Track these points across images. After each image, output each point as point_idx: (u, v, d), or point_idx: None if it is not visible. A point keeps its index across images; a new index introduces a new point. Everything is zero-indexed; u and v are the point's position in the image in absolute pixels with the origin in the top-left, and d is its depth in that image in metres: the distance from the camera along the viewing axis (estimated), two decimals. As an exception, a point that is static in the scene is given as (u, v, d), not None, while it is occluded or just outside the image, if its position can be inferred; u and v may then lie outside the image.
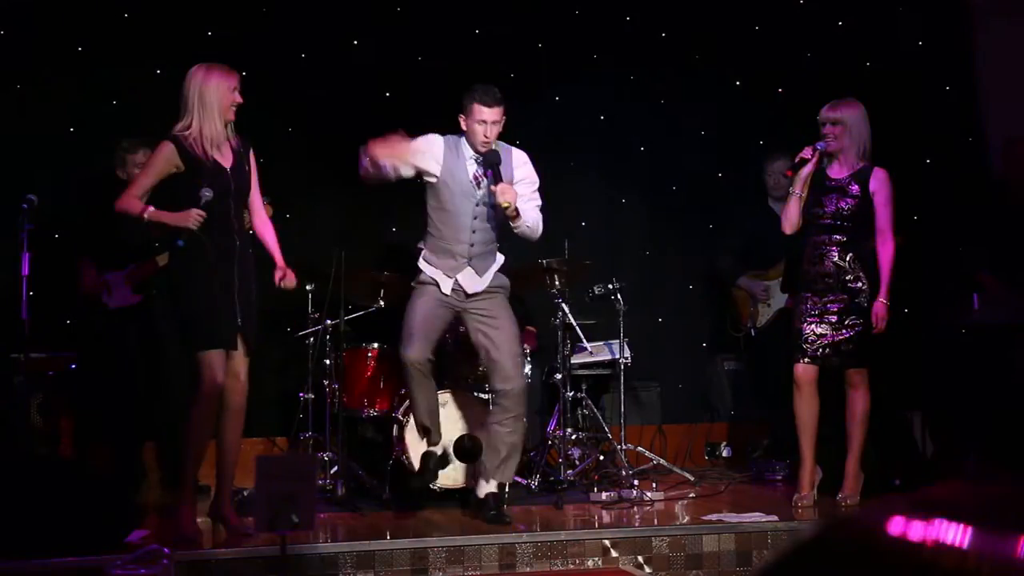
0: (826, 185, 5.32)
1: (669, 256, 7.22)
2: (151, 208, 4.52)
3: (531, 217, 5.01)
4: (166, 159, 4.57)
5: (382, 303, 5.92)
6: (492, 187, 4.90)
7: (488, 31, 6.94)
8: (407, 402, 5.52)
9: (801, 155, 5.32)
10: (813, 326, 5.32)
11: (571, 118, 7.08)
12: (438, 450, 5.24)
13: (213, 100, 4.56)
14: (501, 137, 5.10)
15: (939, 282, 6.61)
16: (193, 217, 4.46)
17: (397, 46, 6.77)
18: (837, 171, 5.34)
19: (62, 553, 4.23)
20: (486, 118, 4.91)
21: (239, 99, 4.65)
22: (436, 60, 6.71)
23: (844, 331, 5.29)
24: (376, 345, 5.90)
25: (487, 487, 5.08)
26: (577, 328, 5.86)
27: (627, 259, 7.03)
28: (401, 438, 5.55)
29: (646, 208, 7.24)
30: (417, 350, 5.00)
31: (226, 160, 4.65)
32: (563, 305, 5.86)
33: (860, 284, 5.32)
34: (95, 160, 6.03)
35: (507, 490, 5.25)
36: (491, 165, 4.93)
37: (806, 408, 5.35)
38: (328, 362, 5.82)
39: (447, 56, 6.68)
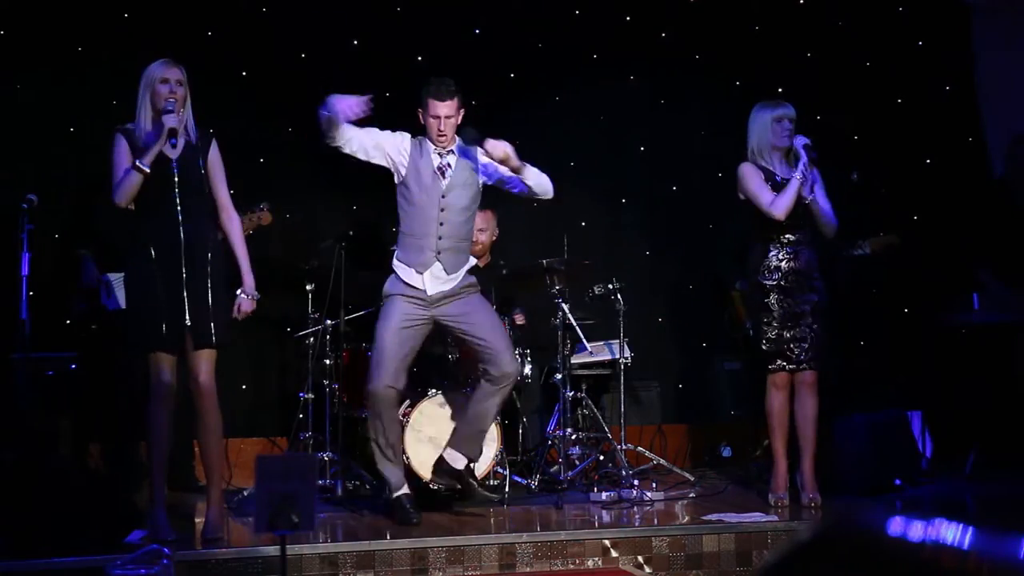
0: (780, 183, 5.27)
1: (669, 256, 7.22)
2: (137, 162, 4.44)
3: (534, 172, 5.05)
4: (123, 149, 4.53)
5: (382, 303, 5.90)
6: (485, 152, 4.93)
7: (488, 31, 6.94)
8: (407, 401, 5.53)
9: (805, 142, 5.23)
10: (794, 331, 5.25)
11: (571, 118, 7.08)
12: (405, 487, 5.07)
13: (146, 93, 4.56)
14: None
15: (939, 282, 6.61)
16: (167, 118, 4.42)
17: (397, 46, 6.77)
18: (785, 171, 5.32)
19: (62, 553, 4.23)
20: (439, 112, 4.94)
21: (171, 89, 4.52)
22: (436, 60, 6.72)
23: (816, 332, 5.27)
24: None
25: (458, 460, 5.10)
26: (577, 328, 5.86)
27: (627, 259, 7.03)
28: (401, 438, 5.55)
29: (646, 208, 7.24)
30: (382, 381, 4.92)
31: (172, 151, 4.55)
32: (563, 305, 5.86)
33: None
34: (95, 160, 6.02)
35: (506, 489, 5.38)
36: (471, 142, 4.97)
37: (786, 410, 5.33)
38: (328, 362, 5.81)
39: (447, 56, 6.68)
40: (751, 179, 5.29)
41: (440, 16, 6.80)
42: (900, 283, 6.88)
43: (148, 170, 4.43)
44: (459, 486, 5.19)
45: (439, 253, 5.01)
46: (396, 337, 4.96)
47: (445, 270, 5.03)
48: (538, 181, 5.05)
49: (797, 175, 5.21)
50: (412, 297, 5.01)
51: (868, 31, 7.33)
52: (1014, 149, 6.52)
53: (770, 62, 7.18)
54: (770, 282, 5.29)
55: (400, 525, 4.90)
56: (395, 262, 5.10)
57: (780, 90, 7.15)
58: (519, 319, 6.24)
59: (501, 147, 4.90)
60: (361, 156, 5.01)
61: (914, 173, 7.24)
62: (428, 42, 6.78)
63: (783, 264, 5.29)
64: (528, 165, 5.02)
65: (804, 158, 5.22)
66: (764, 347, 5.32)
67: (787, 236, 5.29)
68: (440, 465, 5.14)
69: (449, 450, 5.14)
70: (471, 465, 5.16)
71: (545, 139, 6.91)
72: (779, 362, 5.30)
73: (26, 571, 4.22)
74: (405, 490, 5.05)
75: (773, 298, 5.29)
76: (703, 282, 7.18)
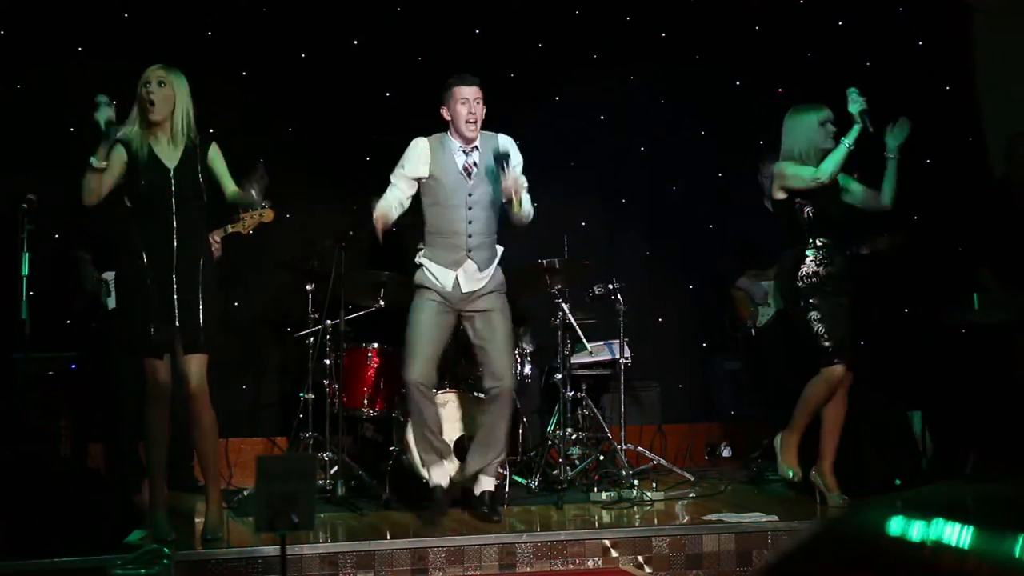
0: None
1: (669, 256, 7.21)
2: (91, 160, 4.47)
3: (527, 205, 5.09)
4: (118, 157, 4.55)
5: (382, 303, 5.91)
6: (504, 181, 4.93)
7: (488, 31, 6.94)
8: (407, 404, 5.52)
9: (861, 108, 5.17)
10: (835, 328, 5.23)
11: (571, 118, 7.07)
12: (444, 480, 5.10)
13: (136, 103, 4.58)
14: (500, 133, 5.15)
15: (939, 282, 6.61)
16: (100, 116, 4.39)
17: (397, 46, 6.77)
18: None
19: (62, 553, 4.23)
20: (467, 95, 5.02)
21: (149, 91, 4.52)
22: (436, 60, 6.71)
23: (853, 330, 5.25)
24: (376, 345, 5.90)
25: (482, 485, 5.11)
26: (577, 328, 5.86)
27: (627, 259, 7.03)
28: (401, 438, 5.54)
29: (646, 208, 7.23)
30: (418, 371, 4.98)
31: (170, 161, 4.57)
32: (563, 305, 5.86)
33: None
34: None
35: (506, 489, 5.35)
36: (501, 159, 4.95)
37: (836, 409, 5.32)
38: (328, 362, 5.81)
39: (447, 56, 6.68)
40: (789, 167, 5.26)
41: (440, 16, 6.80)
42: (900, 283, 6.88)
43: (100, 166, 4.45)
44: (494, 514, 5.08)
45: (470, 251, 5.05)
46: (431, 328, 5.02)
47: (478, 267, 5.07)
48: (521, 220, 5.07)
49: (848, 141, 5.14)
50: (444, 292, 5.05)
51: (868, 31, 7.33)
52: (1014, 149, 6.52)
53: (770, 62, 7.18)
54: (809, 287, 5.26)
55: (431, 512, 4.93)
56: (424, 260, 5.12)
57: (780, 90, 7.16)
58: (528, 348, 6.16)
59: (515, 182, 4.93)
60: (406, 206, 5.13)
61: (914, 173, 7.23)
62: (428, 42, 6.78)
63: (821, 269, 5.26)
64: (526, 203, 5.03)
65: (861, 126, 5.13)
66: (826, 344, 5.22)
67: (821, 239, 5.27)
68: (477, 500, 5.10)
69: (476, 478, 5.11)
70: (492, 486, 5.13)
71: (545, 139, 6.91)
72: (835, 360, 5.24)
73: (26, 571, 4.22)
74: (442, 482, 5.06)
75: (815, 300, 5.25)
76: (703, 282, 7.17)
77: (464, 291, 5.05)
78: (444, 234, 5.06)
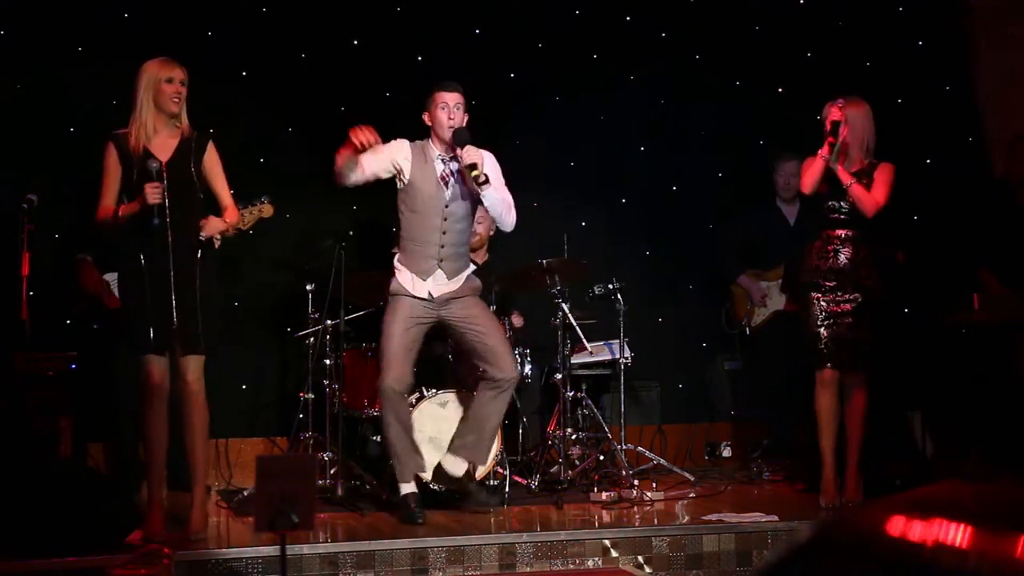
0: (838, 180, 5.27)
1: (669, 256, 7.22)
2: (121, 207, 4.53)
3: (502, 194, 5.00)
4: (112, 159, 4.58)
5: (382, 303, 5.91)
6: (461, 153, 4.91)
7: (488, 31, 6.94)
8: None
9: (832, 118, 5.17)
10: (833, 330, 5.22)
11: (571, 118, 7.07)
12: (413, 487, 5.10)
13: (148, 93, 4.57)
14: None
15: (939, 282, 6.60)
16: (149, 192, 4.41)
17: (397, 46, 6.77)
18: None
19: (62, 553, 4.23)
20: (447, 101, 5.03)
21: (177, 89, 4.56)
22: (436, 60, 6.71)
23: (861, 332, 5.24)
24: (376, 345, 5.89)
25: (459, 467, 5.12)
26: (577, 328, 5.86)
27: (627, 259, 7.03)
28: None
29: (646, 208, 7.23)
30: (393, 376, 4.99)
31: (162, 154, 4.58)
32: (563, 305, 5.86)
33: (872, 283, 5.30)
34: (95, 160, 6.01)
35: (506, 489, 5.38)
36: (463, 141, 4.94)
37: (833, 409, 5.28)
38: (328, 362, 5.81)
39: (447, 56, 6.68)
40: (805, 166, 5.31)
41: (440, 16, 6.80)
42: (900, 283, 6.87)
43: (122, 219, 4.51)
44: (458, 491, 5.19)
45: (441, 261, 5.08)
46: (403, 336, 5.02)
47: (447, 276, 5.08)
48: (495, 204, 4.97)
49: (821, 151, 5.18)
50: (418, 298, 5.06)
51: (868, 31, 7.33)
52: (1014, 149, 6.51)
53: (770, 62, 7.18)
54: (811, 280, 5.28)
55: (403, 524, 4.91)
56: (397, 265, 5.14)
57: (780, 90, 7.17)
58: (517, 320, 6.24)
59: (474, 155, 4.87)
60: (380, 176, 5.07)
61: (914, 173, 7.23)
62: (428, 42, 6.78)
63: (821, 263, 5.27)
64: (493, 188, 4.92)
65: (830, 135, 5.18)
66: (807, 345, 5.28)
67: (828, 233, 5.28)
68: (440, 471, 5.16)
69: (449, 456, 5.16)
70: (472, 469, 5.16)
71: (545, 139, 6.91)
72: (817, 359, 5.26)
73: (26, 571, 4.22)
74: (412, 488, 5.07)
75: (813, 296, 5.27)
76: (703, 282, 7.18)
77: (435, 296, 5.07)
78: (417, 242, 5.09)
